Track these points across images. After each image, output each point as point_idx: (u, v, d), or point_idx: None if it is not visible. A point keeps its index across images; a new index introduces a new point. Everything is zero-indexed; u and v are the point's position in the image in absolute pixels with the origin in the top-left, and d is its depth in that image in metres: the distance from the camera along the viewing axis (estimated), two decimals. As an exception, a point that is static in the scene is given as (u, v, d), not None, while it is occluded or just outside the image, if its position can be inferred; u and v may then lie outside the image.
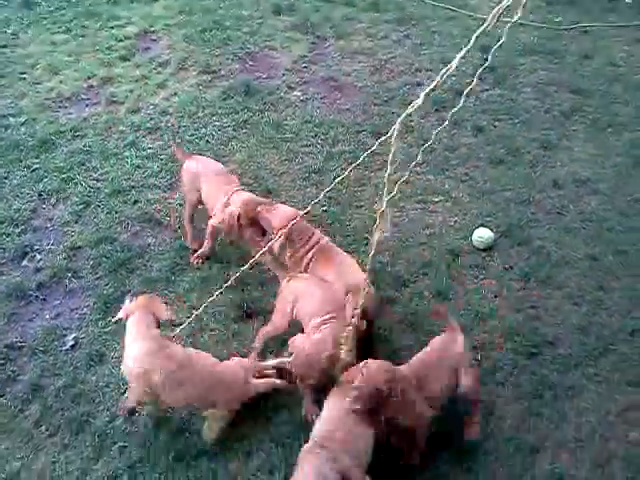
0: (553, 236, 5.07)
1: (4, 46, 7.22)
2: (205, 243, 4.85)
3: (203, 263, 4.87)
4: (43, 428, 3.90)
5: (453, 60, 4.73)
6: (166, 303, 4.06)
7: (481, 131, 6.14)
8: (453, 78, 6.74)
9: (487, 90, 6.66)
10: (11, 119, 6.18)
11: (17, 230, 5.14)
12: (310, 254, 4.29)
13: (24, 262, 4.93)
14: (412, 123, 6.16)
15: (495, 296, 4.62)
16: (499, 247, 4.97)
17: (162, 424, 3.88)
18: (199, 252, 4.87)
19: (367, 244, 5.01)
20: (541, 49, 7.25)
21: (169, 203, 5.38)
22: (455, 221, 5.22)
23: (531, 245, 4.99)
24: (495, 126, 6.21)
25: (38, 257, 4.95)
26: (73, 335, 4.38)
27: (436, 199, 5.44)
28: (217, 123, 6.21)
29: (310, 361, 3.64)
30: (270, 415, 3.95)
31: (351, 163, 5.58)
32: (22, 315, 4.55)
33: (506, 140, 6.00)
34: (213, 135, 6.07)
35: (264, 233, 4.40)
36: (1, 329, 4.44)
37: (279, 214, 4.35)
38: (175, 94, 6.58)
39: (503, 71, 6.88)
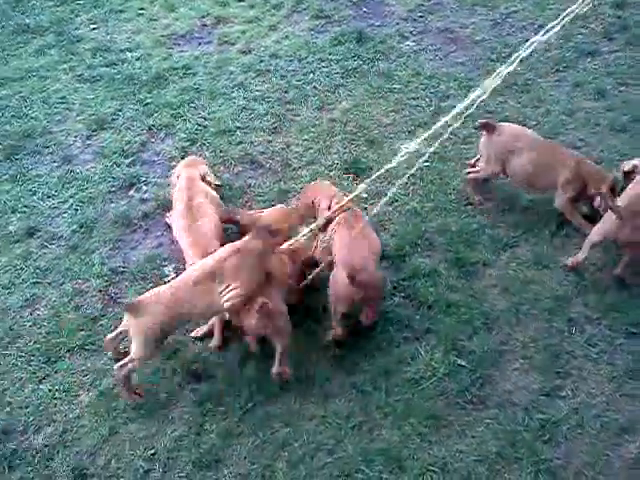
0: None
1: (127, -18, 7.44)
2: None
3: None
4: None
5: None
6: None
7: (603, 95, 5.73)
8: (579, 36, 6.40)
9: (616, 51, 6.18)
10: (128, 54, 6.40)
11: (127, 161, 5.37)
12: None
13: (131, 192, 5.15)
14: (529, 82, 5.87)
15: (599, 270, 4.36)
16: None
17: (247, 360, 3.99)
18: None
19: (468, 204, 4.90)
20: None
21: (273, 146, 5.42)
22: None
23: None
24: (620, 91, 5.77)
25: (144, 188, 5.15)
26: (172, 266, 4.55)
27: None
28: (325, 69, 6.15)
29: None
30: (354, 361, 3.97)
31: (460, 120, 5.48)
32: (126, 242, 4.78)
33: (631, 106, 5.56)
34: (321, 81, 6.01)
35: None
36: (107, 254, 4.69)
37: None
38: (286, 37, 6.55)
39: (637, 31, 6.34)
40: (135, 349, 3.75)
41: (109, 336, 3.99)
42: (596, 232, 4.19)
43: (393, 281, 4.34)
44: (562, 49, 6.28)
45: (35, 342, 4.17)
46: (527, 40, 6.29)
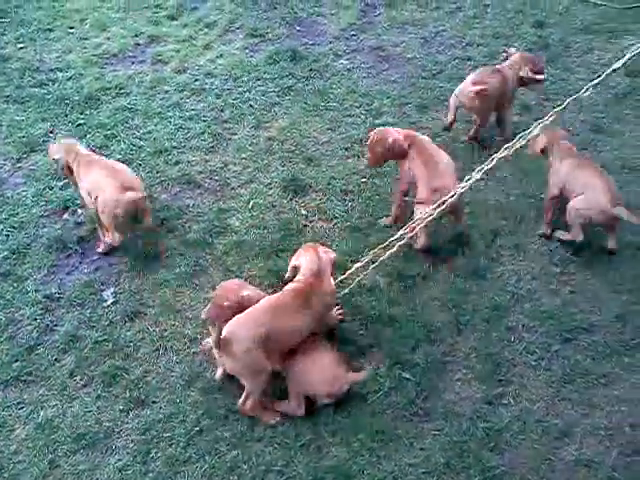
0: (597, 221, 4.93)
1: (54, 0, 7.28)
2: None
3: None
4: (78, 378, 3.97)
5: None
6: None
7: (528, 110, 5.98)
8: (503, 54, 6.65)
9: (538, 66, 6.47)
10: (58, 73, 6.25)
11: (59, 184, 5.22)
12: None
13: (65, 215, 5.01)
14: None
15: (533, 278, 4.53)
16: (540, 229, 4.85)
17: (192, 383, 3.94)
18: None
19: (409, 219, 4.99)
20: (598, 28, 7.00)
21: (210, 166, 5.39)
22: (496, 200, 5.10)
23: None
24: (544, 106, 6.02)
25: (79, 211, 5.01)
26: (111, 290, 4.45)
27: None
28: (261, 88, 6.18)
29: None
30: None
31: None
32: (62, 267, 4.64)
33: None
34: (257, 100, 6.04)
35: None
36: (41, 280, 4.53)
37: None
38: (221, 56, 6.56)
39: (557, 49, 6.68)
40: (247, 385, 3.67)
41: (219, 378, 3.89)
42: None
43: (337, 297, 4.37)
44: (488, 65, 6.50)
45: (-34, 376, 3.98)
46: (456, 58, 6.57)
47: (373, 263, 4.20)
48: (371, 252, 4.24)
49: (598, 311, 4.31)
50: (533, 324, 4.23)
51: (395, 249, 4.15)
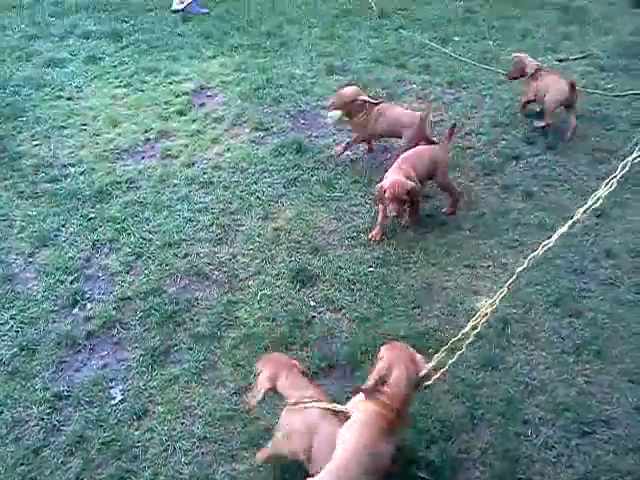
0: (606, 308, 4.92)
1: (69, 98, 7.60)
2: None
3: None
4: (84, 482, 3.89)
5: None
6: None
7: (531, 197, 6.09)
8: (503, 142, 6.87)
9: (538, 155, 6.65)
10: (71, 168, 6.41)
11: (70, 278, 5.25)
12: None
13: (75, 310, 5.02)
14: (460, 185, 6.19)
15: (546, 368, 4.48)
16: (550, 317, 4.85)
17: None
18: None
19: (414, 308, 5.00)
20: (593, 115, 7.23)
21: (219, 257, 5.45)
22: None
23: (583, 317, 4.84)
24: (546, 192, 6.15)
25: (89, 306, 5.03)
26: (120, 387, 4.40)
27: (485, 264, 5.37)
28: (268, 179, 6.32)
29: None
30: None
31: (399, 223, 5.69)
32: (70, 364, 4.61)
33: (557, 207, 5.92)
34: (263, 191, 6.17)
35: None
36: (50, 377, 4.49)
37: None
38: (228, 149, 6.75)
39: (554, 136, 6.87)
40: None
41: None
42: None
43: (347, 391, 4.32)
44: (489, 154, 6.69)
45: (-31, 481, 3.89)
46: (456, 147, 6.75)
47: (435, 370, 3.70)
48: (435, 357, 3.75)
49: (616, 402, 4.23)
50: (550, 417, 4.14)
51: (463, 350, 3.71)
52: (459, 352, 3.68)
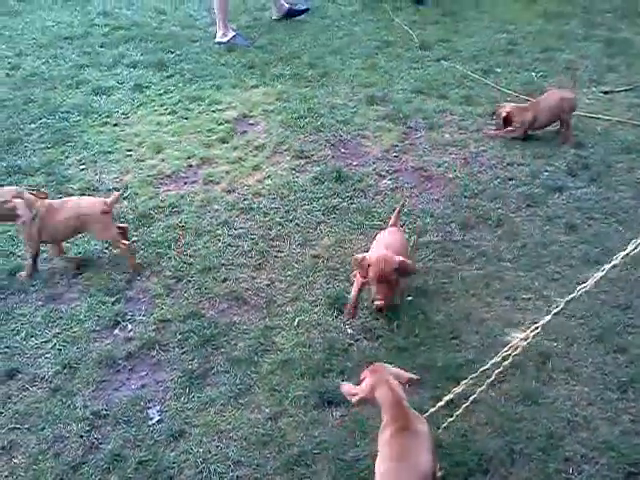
0: (653, 345, 4.80)
1: (115, 125, 7.81)
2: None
3: None
4: (120, 502, 3.91)
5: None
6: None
7: (574, 229, 6.00)
8: (546, 173, 6.81)
9: (581, 187, 6.55)
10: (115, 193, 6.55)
11: (112, 299, 5.36)
12: None
13: (116, 331, 5.10)
14: (502, 217, 6.14)
15: (589, 404, 4.36)
16: (593, 352, 4.74)
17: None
18: None
19: (452, 338, 4.94)
20: (639, 148, 7.12)
21: (257, 283, 5.49)
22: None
23: (628, 353, 4.72)
24: (589, 225, 6.05)
25: (129, 327, 5.12)
26: (157, 408, 4.44)
27: (526, 296, 5.29)
28: (307, 207, 6.38)
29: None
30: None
31: (439, 254, 5.67)
32: (110, 383, 4.68)
33: (601, 240, 5.82)
34: (303, 218, 6.22)
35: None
36: (90, 395, 4.56)
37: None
38: (269, 177, 6.84)
39: (598, 169, 6.78)
40: None
41: None
42: None
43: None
44: (531, 185, 6.64)
45: (10, 495, 3.95)
46: (497, 178, 6.72)
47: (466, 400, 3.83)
48: (459, 387, 3.88)
49: (662, 442, 4.10)
50: (592, 455, 4.01)
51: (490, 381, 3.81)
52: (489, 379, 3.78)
